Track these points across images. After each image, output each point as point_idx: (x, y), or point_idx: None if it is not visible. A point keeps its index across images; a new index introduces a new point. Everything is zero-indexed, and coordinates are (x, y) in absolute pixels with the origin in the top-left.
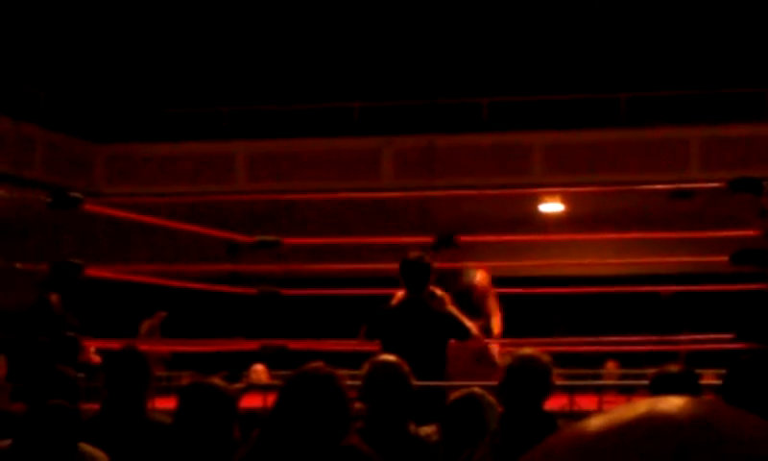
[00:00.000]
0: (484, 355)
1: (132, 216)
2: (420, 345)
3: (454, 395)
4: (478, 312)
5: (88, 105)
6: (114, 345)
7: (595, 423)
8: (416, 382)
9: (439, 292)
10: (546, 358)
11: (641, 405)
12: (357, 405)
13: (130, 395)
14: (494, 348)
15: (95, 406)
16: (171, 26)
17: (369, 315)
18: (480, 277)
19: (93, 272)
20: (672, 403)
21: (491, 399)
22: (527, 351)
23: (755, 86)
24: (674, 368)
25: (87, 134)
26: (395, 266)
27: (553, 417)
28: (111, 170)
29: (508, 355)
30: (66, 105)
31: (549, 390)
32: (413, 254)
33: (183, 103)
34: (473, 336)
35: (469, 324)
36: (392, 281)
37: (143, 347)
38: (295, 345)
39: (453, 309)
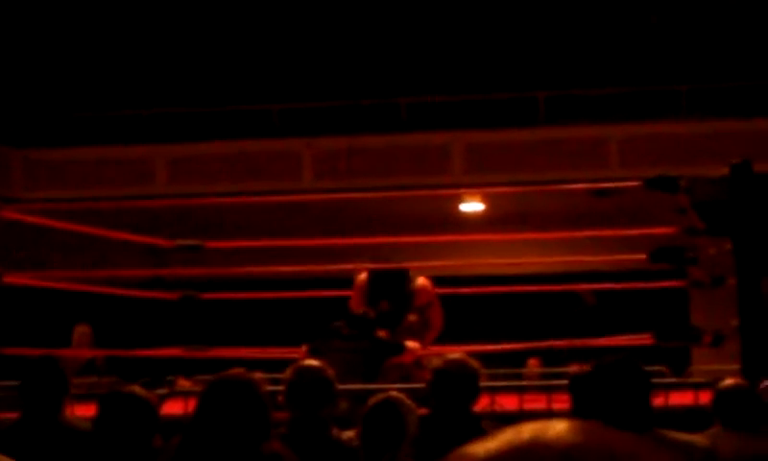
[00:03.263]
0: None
1: (51, 222)
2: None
3: (372, 399)
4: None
5: (4, 109)
6: (33, 353)
7: (479, 450)
8: (339, 387)
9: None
10: (474, 362)
11: (526, 431)
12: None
13: (47, 403)
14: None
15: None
16: (88, 29)
17: (312, 343)
18: (421, 282)
19: (12, 279)
20: (556, 429)
21: (408, 402)
22: (455, 355)
23: (672, 84)
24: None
25: (4, 139)
26: (316, 268)
27: (478, 419)
28: (29, 175)
29: (436, 359)
30: None
31: (477, 394)
32: (358, 311)
33: (102, 106)
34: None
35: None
36: (314, 283)
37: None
38: (216, 352)
39: (382, 333)
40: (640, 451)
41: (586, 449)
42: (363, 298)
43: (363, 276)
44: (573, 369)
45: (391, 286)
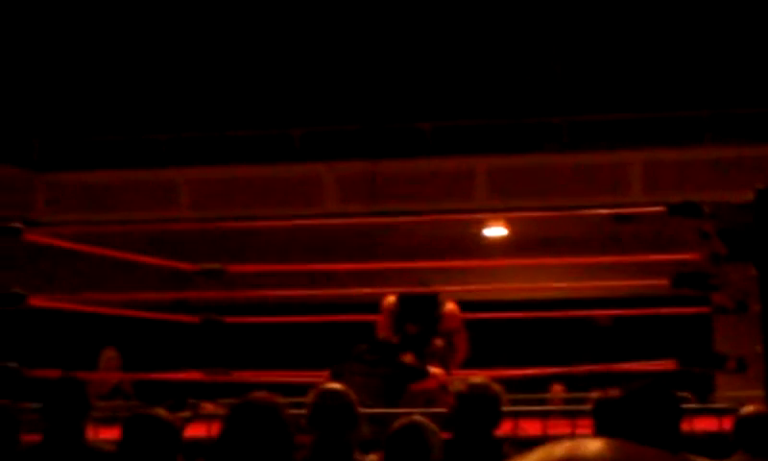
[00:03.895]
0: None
1: (74, 246)
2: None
3: (396, 423)
4: (447, 341)
5: (27, 133)
6: (55, 374)
7: None
8: (362, 410)
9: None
10: (497, 386)
11: (559, 450)
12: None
13: (69, 423)
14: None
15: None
16: (109, 53)
17: (334, 366)
18: (450, 307)
19: (37, 302)
20: (589, 448)
21: (432, 426)
22: (478, 378)
23: (695, 109)
24: (616, 393)
25: (27, 163)
26: (339, 292)
27: (500, 443)
28: (52, 199)
29: (459, 383)
30: (4, 134)
31: (499, 418)
32: (384, 337)
33: (125, 130)
34: (431, 375)
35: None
36: (337, 307)
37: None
38: (239, 376)
39: (408, 357)
40: None
41: None
42: (391, 321)
43: (391, 299)
44: (597, 394)
45: (420, 310)
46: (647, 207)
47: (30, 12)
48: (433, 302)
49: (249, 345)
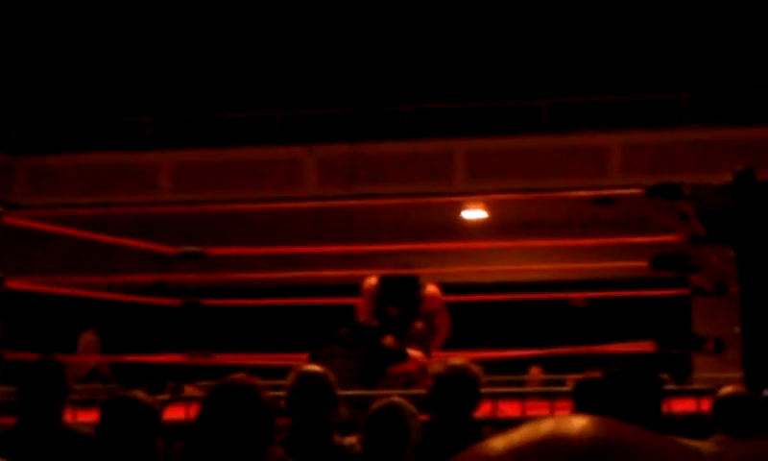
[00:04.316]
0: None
1: (54, 228)
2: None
3: (374, 405)
4: (428, 324)
5: (7, 115)
6: (32, 357)
7: (499, 444)
8: (342, 393)
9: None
10: (475, 368)
11: (544, 426)
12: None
13: (45, 406)
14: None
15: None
16: (90, 35)
17: (313, 349)
18: (431, 289)
19: (15, 284)
20: (574, 424)
21: (411, 408)
22: (457, 360)
23: (674, 92)
24: (596, 374)
25: (6, 146)
26: (318, 275)
27: (479, 425)
28: (32, 181)
29: (438, 365)
30: None
31: (478, 400)
32: (364, 320)
33: (105, 113)
34: (410, 358)
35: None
36: (317, 290)
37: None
38: (220, 359)
39: (388, 340)
40: (661, 446)
41: (609, 443)
42: (372, 304)
43: (372, 281)
44: (576, 376)
45: (401, 293)
46: (626, 189)
47: None
48: (414, 284)
49: (229, 328)
